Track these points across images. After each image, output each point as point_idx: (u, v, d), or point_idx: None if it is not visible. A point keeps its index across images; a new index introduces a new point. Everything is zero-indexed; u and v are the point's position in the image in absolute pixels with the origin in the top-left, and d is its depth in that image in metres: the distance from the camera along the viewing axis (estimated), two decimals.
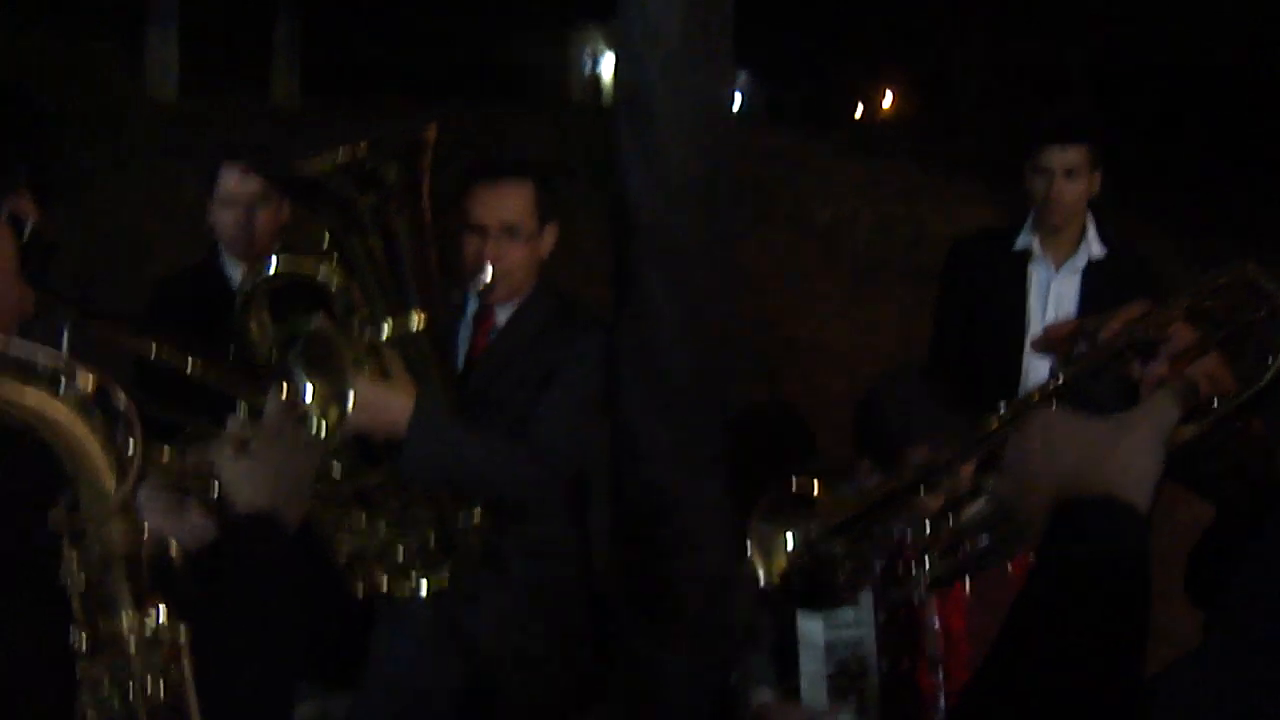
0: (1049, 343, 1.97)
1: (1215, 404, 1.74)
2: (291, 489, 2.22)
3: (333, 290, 3.23)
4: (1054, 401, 1.75)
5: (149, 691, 1.24)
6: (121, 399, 1.21)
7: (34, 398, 1.17)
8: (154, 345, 2.51)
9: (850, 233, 12.53)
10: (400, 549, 3.37)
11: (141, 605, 1.24)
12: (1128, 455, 1.51)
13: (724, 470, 3.98)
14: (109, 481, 1.19)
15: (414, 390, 3.30)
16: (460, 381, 3.63)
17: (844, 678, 3.15)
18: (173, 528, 2.29)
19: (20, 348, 1.19)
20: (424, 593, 3.40)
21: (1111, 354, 1.82)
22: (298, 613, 2.05)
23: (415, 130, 3.22)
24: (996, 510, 1.82)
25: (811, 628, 3.17)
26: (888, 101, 30.93)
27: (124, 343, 2.47)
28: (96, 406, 1.19)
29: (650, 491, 3.92)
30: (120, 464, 1.19)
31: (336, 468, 3.18)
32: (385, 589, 3.37)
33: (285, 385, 2.52)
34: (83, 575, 1.23)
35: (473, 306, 3.77)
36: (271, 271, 3.25)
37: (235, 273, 4.45)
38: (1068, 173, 4.62)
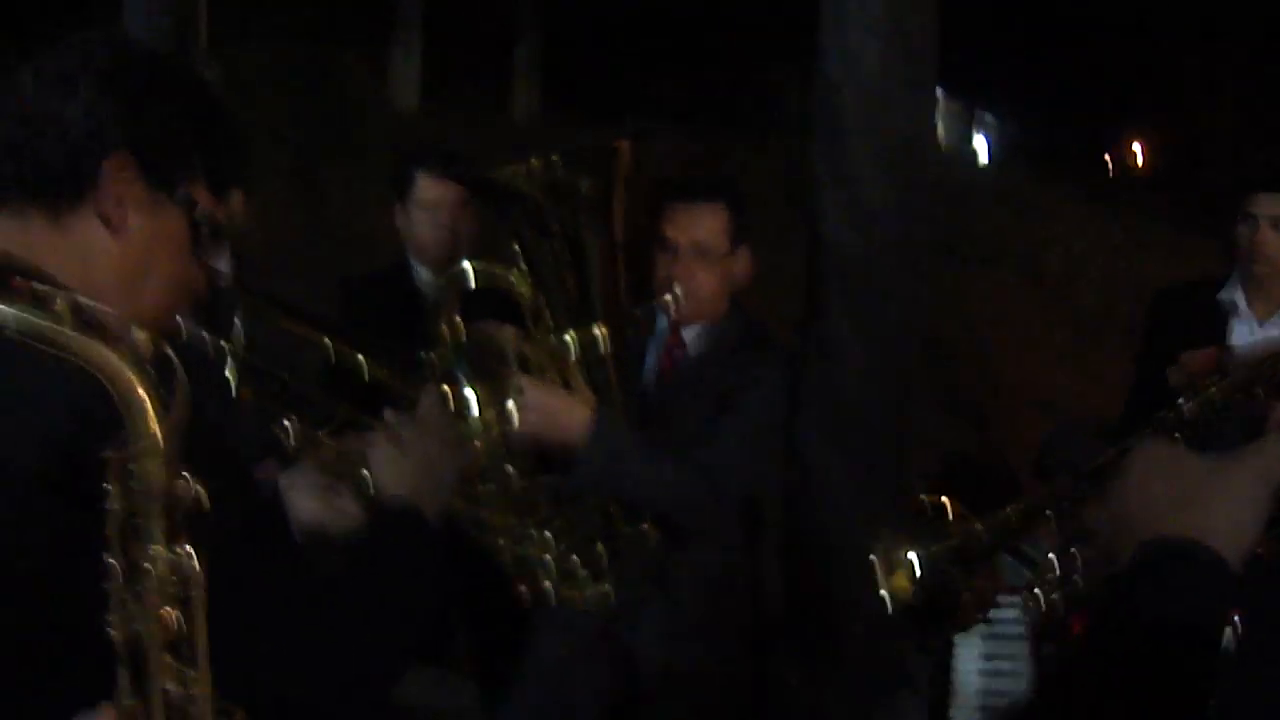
0: (1186, 375, 1.89)
1: None
2: (434, 482, 2.37)
3: (521, 299, 3.34)
4: (1171, 434, 1.67)
5: (165, 620, 1.37)
6: (171, 354, 1.34)
7: (96, 348, 1.31)
8: (328, 338, 2.63)
9: (1079, 283, 12.26)
10: (567, 557, 3.42)
11: (171, 541, 1.36)
12: (1225, 500, 1.39)
13: (899, 509, 3.95)
14: (154, 425, 1.31)
15: (593, 402, 3.38)
16: (642, 398, 3.68)
17: None
18: (322, 509, 2.44)
19: (92, 306, 1.33)
20: (586, 602, 3.46)
21: (1242, 389, 1.73)
22: (425, 600, 2.17)
23: (609, 144, 3.29)
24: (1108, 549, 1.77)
25: (967, 674, 3.14)
26: (1135, 154, 30.24)
27: (299, 332, 2.59)
28: (151, 362, 1.32)
29: (821, 526, 3.93)
30: (166, 411, 1.31)
31: (510, 472, 3.25)
32: (548, 595, 3.43)
33: (446, 384, 2.65)
34: (122, 507, 1.36)
35: (662, 325, 3.82)
36: (466, 277, 3.38)
37: (425, 277, 4.53)
38: (1274, 221, 4.44)
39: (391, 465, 2.36)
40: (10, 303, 1.29)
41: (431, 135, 12.72)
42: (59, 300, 1.32)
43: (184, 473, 1.37)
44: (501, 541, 3.31)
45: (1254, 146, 17.08)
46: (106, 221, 1.77)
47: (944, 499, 1.92)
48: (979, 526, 1.84)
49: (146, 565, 1.36)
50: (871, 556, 1.89)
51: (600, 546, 3.44)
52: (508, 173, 3.20)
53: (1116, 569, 1.44)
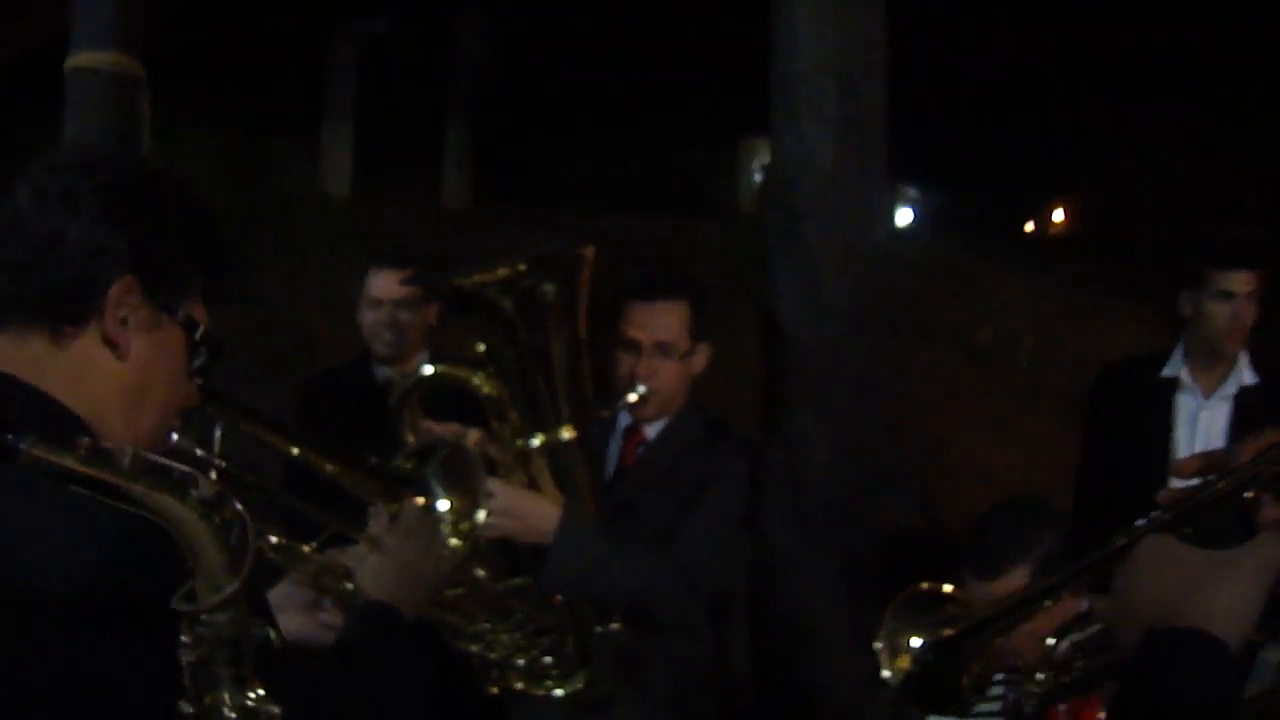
0: (1186, 472, 1.94)
1: None
2: (415, 587, 2.45)
3: (487, 401, 3.37)
4: (1170, 530, 1.74)
5: None
6: (238, 506, 1.36)
7: (166, 501, 1.35)
8: (295, 446, 2.63)
9: (1012, 354, 12.41)
10: (538, 653, 3.43)
11: (242, 685, 1.42)
12: (1226, 591, 1.51)
13: (867, 593, 3.99)
14: (222, 577, 1.35)
15: (561, 501, 3.41)
16: (607, 494, 3.70)
17: None
18: (307, 624, 2.47)
19: (160, 458, 1.38)
20: (559, 696, 3.47)
21: (1236, 487, 1.79)
22: (404, 702, 2.20)
23: (574, 250, 3.34)
24: (1106, 632, 1.83)
25: None
26: (1059, 217, 30.64)
27: (270, 441, 2.60)
28: (216, 511, 1.34)
29: (790, 611, 3.96)
30: (232, 563, 1.34)
31: (481, 575, 3.26)
32: (520, 689, 3.44)
33: (421, 495, 2.68)
34: (194, 654, 1.40)
35: (623, 421, 3.87)
36: (427, 375, 3.41)
37: (382, 373, 4.63)
38: (1250, 296, 4.52)
39: (374, 572, 2.42)
40: (77, 459, 1.32)
41: (363, 222, 12.77)
42: (127, 456, 1.34)
43: (253, 618, 1.39)
44: (473, 646, 3.32)
45: (1180, 208, 17.42)
46: (111, 344, 1.76)
47: (944, 586, 1.97)
48: (978, 613, 1.90)
49: (220, 710, 1.38)
50: (877, 643, 1.94)
51: (571, 643, 3.46)
52: (475, 281, 3.25)
53: (1120, 655, 1.54)
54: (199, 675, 1.40)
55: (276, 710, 1.42)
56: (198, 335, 1.85)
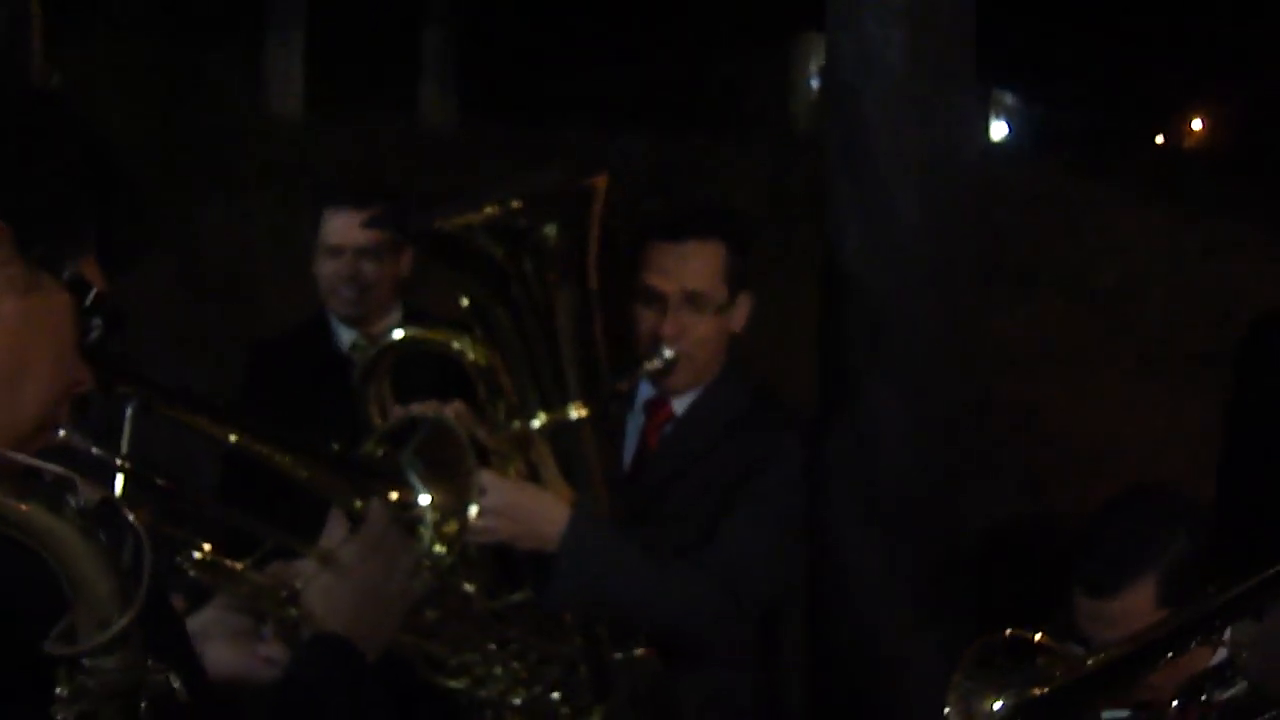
0: None
1: None
2: (379, 614, 2.39)
3: (475, 372, 3.36)
4: None
5: None
6: (130, 517, 1.33)
7: (33, 513, 1.32)
8: (232, 432, 2.60)
9: (1142, 302, 12.35)
10: (541, 688, 3.42)
11: None
12: None
13: (960, 609, 3.98)
14: (110, 610, 1.32)
15: (570, 496, 3.40)
16: (627, 486, 3.70)
17: None
18: (240, 659, 2.44)
19: (28, 458, 1.35)
20: None
21: None
22: None
23: (581, 180, 3.32)
24: (1254, 691, 1.81)
25: None
26: (1197, 127, 30.50)
27: (201, 428, 2.56)
28: (102, 524, 1.31)
29: (858, 630, 3.94)
30: (123, 591, 1.32)
31: (470, 591, 3.25)
32: None
33: (394, 491, 2.64)
34: (73, 710, 1.36)
35: (645, 393, 3.85)
36: (398, 340, 3.40)
37: (345, 336, 4.64)
38: None
39: (326, 595, 2.37)
40: None
41: (319, 150, 12.78)
42: None
43: (151, 661, 1.37)
44: (458, 683, 3.31)
45: None
46: None
47: (1033, 634, 1.95)
48: (1079, 667, 1.87)
49: None
50: (947, 707, 1.92)
51: (584, 674, 3.46)
52: (458, 222, 3.23)
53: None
54: None
55: None
56: (89, 300, 1.81)
